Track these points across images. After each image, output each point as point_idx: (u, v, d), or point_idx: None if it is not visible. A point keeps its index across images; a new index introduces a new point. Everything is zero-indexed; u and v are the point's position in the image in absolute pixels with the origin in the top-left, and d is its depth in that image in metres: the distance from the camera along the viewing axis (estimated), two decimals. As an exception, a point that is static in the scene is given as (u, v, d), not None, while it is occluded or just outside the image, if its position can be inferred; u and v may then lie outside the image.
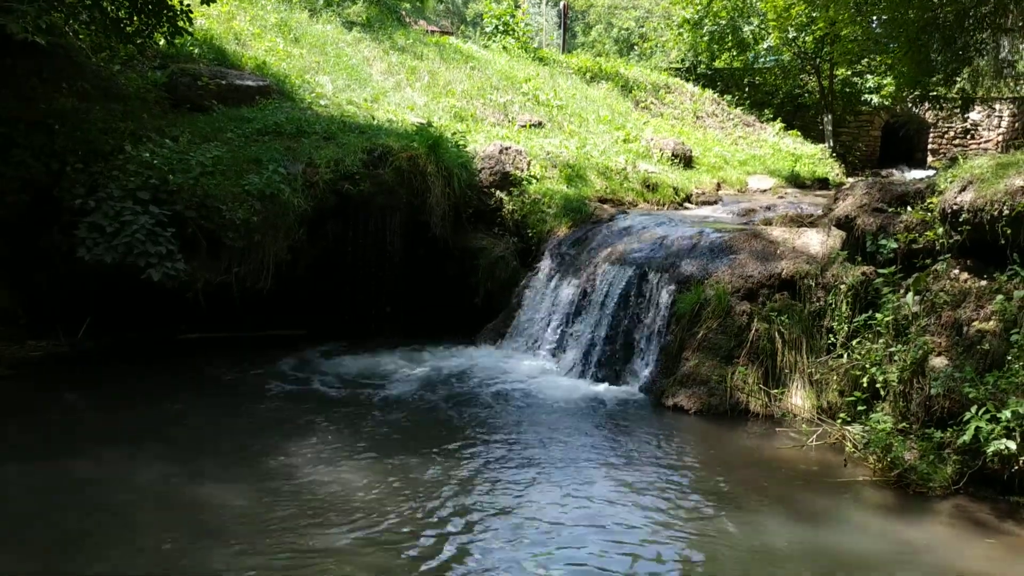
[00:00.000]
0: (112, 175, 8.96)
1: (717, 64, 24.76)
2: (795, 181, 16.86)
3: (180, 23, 10.25)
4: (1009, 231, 6.61)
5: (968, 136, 22.79)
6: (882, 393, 7.06)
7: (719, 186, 14.92)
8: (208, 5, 10.50)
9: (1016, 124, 21.64)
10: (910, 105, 21.63)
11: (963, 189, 7.04)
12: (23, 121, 8.98)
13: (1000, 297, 6.56)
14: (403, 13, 22.18)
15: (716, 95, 22.68)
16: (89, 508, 5.32)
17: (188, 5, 10.34)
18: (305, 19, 16.35)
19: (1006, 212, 6.57)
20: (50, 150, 8.98)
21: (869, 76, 22.76)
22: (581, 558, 4.96)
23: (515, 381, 8.82)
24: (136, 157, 9.12)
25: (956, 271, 7.19)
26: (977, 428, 5.88)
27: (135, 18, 9.94)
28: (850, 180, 14.72)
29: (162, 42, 10.63)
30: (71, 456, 6.22)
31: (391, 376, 8.89)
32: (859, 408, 6.94)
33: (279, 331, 10.72)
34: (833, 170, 19.20)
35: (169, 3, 9.99)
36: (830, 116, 22.22)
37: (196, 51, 12.82)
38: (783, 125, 21.85)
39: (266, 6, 16.02)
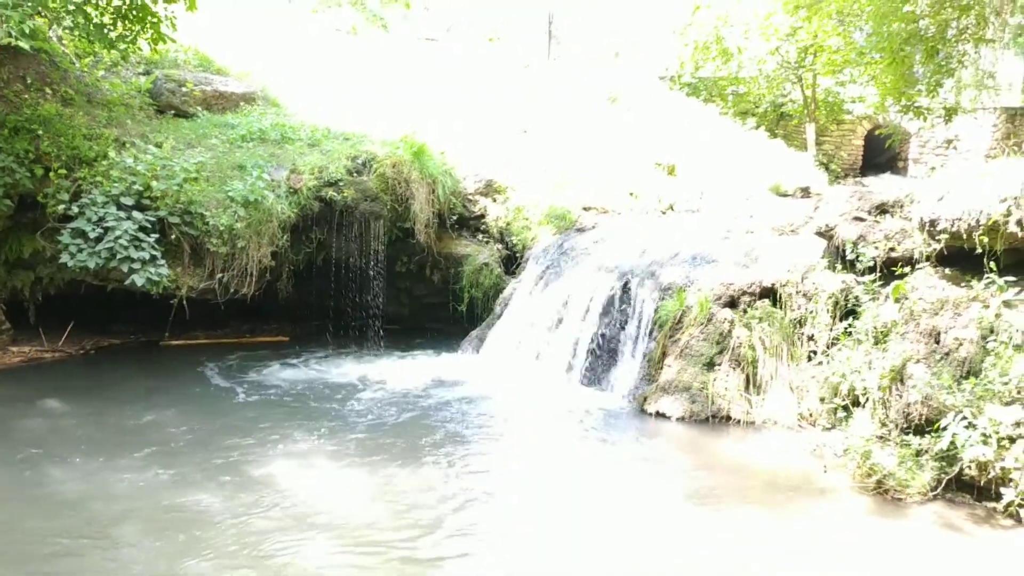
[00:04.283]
0: (96, 181, 8.96)
1: (701, 73, 24.91)
2: (778, 190, 16.95)
3: (164, 29, 10.24)
4: (986, 240, 6.71)
5: (950, 146, 22.99)
6: (861, 400, 7.12)
7: (702, 194, 14.99)
8: (192, 12, 10.48)
9: (997, 134, 21.86)
10: (893, 115, 21.83)
11: (941, 199, 7.12)
12: (7, 126, 8.97)
13: (977, 305, 6.64)
14: (390, 20, 22.22)
15: (700, 103, 22.80)
16: (67, 517, 5.29)
17: (172, 11, 10.33)
18: (292, 26, 16.35)
19: (982, 221, 6.66)
20: (34, 156, 8.98)
21: (852, 86, 22.96)
22: (561, 562, 4.98)
23: (498, 388, 8.83)
24: (120, 163, 9.12)
25: (934, 279, 7.27)
26: (954, 435, 5.96)
27: (119, 24, 9.93)
28: (832, 189, 14.85)
29: (146, 48, 10.63)
30: (51, 464, 6.19)
31: (374, 383, 8.89)
32: (839, 415, 7.00)
33: (263, 338, 10.75)
34: (816, 179, 19.33)
35: (153, 9, 9.98)
36: (813, 125, 22.39)
37: (181, 57, 12.81)
38: (767, 134, 21.99)
39: (253, 12, 16.01)
